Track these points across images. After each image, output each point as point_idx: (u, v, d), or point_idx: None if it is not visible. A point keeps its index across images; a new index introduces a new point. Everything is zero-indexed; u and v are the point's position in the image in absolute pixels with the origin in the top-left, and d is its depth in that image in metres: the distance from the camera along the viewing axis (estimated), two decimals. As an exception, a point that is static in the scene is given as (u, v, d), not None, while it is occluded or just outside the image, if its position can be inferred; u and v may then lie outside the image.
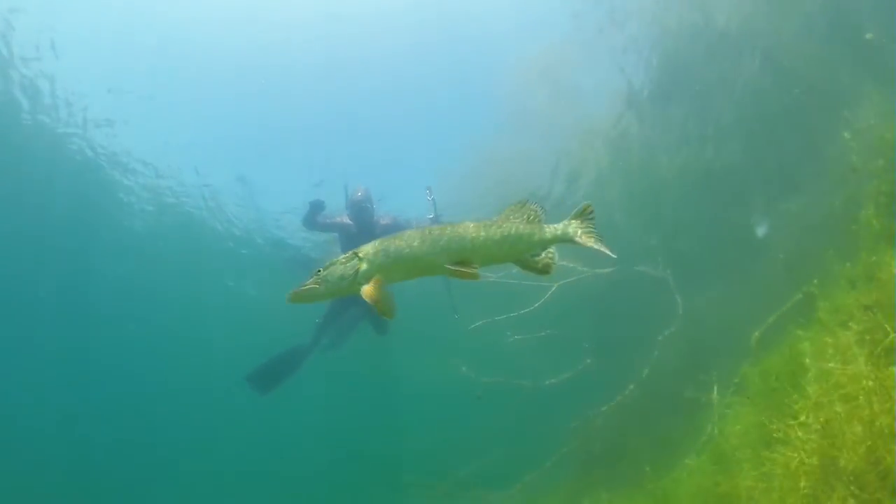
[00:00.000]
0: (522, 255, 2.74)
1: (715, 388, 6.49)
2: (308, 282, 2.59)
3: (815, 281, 5.56)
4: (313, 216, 8.51)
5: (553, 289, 8.12)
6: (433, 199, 8.43)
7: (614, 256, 2.68)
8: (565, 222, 2.79)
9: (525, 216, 2.78)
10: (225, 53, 12.59)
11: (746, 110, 9.68)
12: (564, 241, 2.75)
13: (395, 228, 8.68)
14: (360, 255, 2.64)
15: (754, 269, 8.51)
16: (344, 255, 2.68)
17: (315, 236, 12.53)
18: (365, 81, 13.51)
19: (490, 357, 8.95)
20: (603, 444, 7.70)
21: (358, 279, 2.58)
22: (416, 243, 2.64)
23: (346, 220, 8.83)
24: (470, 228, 2.66)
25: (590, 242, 2.73)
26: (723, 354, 7.27)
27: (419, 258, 2.63)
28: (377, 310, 2.59)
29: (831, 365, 4.34)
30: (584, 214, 2.81)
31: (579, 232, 2.76)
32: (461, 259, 2.63)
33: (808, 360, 4.90)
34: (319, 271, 2.61)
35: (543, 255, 2.75)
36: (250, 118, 13.32)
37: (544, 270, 2.74)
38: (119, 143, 12.52)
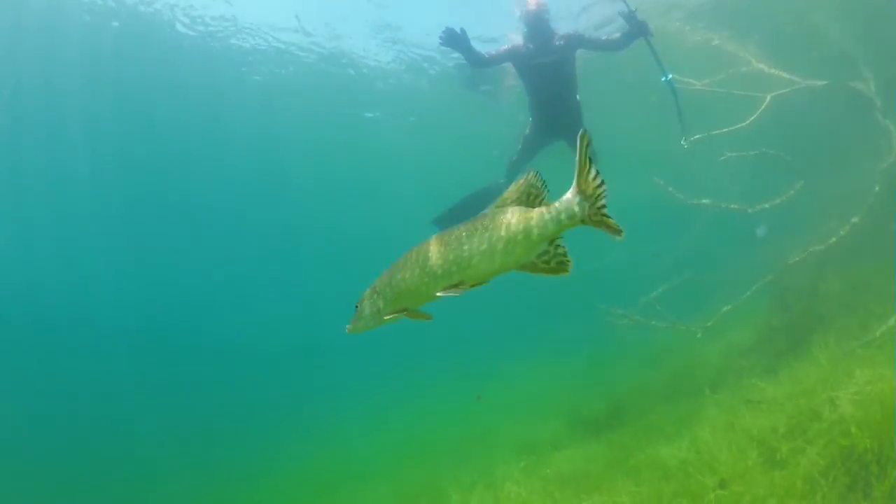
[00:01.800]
0: (525, 260, 2.11)
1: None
2: (353, 318, 2.47)
3: None
4: (465, 46, 7.18)
5: (767, 101, 7.29)
6: None
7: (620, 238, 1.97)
8: (568, 197, 1.98)
9: (525, 195, 2.08)
10: None
11: None
12: (574, 225, 1.99)
13: (576, 42, 7.54)
14: (378, 289, 2.38)
15: None
16: (369, 289, 2.42)
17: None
18: None
19: (694, 178, 8.49)
20: (804, 282, 7.54)
21: (382, 315, 2.37)
22: (408, 274, 2.25)
23: (517, 39, 7.75)
24: (474, 242, 2.10)
25: (606, 225, 1.95)
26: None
27: (415, 290, 2.26)
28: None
29: None
30: (584, 175, 1.92)
31: (587, 207, 1.94)
32: (458, 281, 2.17)
33: None
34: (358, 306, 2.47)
35: (551, 248, 2.09)
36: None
37: (557, 270, 2.10)
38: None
